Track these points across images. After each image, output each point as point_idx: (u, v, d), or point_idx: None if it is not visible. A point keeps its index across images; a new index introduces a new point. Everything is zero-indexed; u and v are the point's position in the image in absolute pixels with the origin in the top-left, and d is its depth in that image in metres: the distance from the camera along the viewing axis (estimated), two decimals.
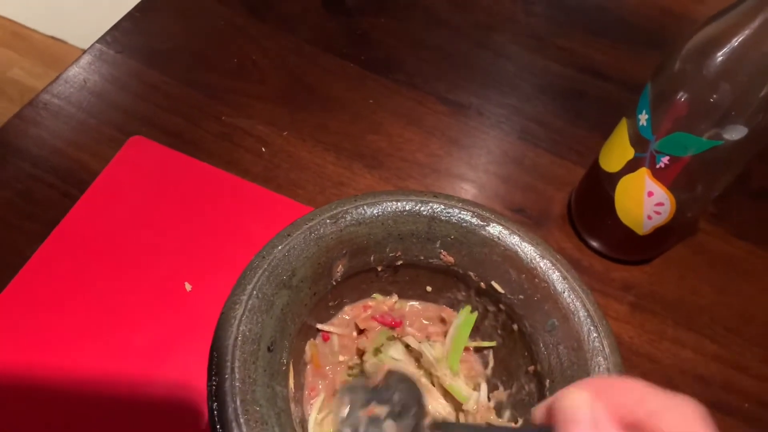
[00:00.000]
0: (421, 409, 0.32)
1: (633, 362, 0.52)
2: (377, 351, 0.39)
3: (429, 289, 0.41)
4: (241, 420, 0.30)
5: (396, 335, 0.40)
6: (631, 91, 0.47)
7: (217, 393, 0.31)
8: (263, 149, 0.58)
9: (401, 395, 0.33)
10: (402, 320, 0.41)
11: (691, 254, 0.58)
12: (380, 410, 0.33)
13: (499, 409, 0.39)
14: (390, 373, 0.36)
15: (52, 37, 1.58)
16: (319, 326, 0.39)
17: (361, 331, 0.40)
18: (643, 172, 0.47)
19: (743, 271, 0.57)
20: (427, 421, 0.31)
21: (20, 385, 0.44)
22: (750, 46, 0.39)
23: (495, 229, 0.36)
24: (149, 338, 0.47)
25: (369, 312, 0.40)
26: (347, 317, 0.40)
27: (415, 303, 0.42)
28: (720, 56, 0.40)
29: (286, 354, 0.34)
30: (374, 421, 0.32)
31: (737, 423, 0.50)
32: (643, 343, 0.53)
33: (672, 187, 0.47)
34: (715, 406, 0.50)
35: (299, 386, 0.38)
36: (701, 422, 0.23)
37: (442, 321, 0.41)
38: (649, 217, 0.50)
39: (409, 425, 0.32)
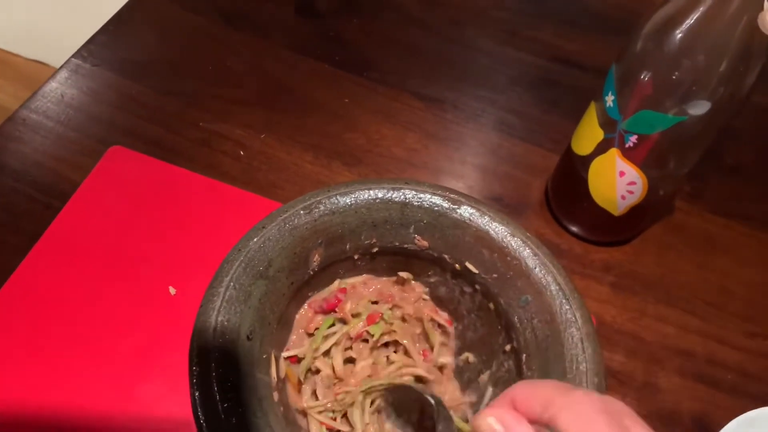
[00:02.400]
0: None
1: (616, 341, 0.52)
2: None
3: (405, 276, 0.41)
4: (223, 407, 0.31)
5: (338, 318, 0.40)
6: (602, 78, 0.48)
7: (198, 382, 0.32)
8: (241, 152, 0.59)
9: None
10: (339, 299, 0.40)
11: (668, 232, 0.59)
12: None
13: (482, 388, 0.39)
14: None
15: (35, 61, 1.58)
16: (284, 355, 0.39)
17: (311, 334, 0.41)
18: (614, 153, 0.48)
19: (721, 246, 0.59)
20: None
21: (8, 395, 0.45)
22: (707, 22, 0.40)
23: (466, 211, 0.37)
24: (136, 343, 0.48)
25: (312, 310, 0.40)
26: (301, 330, 0.41)
27: (358, 278, 0.42)
28: (679, 34, 0.41)
29: (266, 343, 0.35)
30: None
31: (722, 395, 0.50)
32: (625, 322, 0.53)
33: (642, 165, 0.48)
34: (700, 379, 0.51)
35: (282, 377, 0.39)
36: (598, 416, 0.24)
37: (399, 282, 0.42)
38: (623, 197, 0.51)
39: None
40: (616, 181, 0.50)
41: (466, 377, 0.41)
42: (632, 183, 0.49)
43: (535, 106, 0.67)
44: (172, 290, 0.50)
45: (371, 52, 0.69)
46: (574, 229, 0.57)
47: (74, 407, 0.45)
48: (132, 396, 0.45)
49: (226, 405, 0.31)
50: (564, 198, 0.57)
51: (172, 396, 0.46)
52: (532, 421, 0.26)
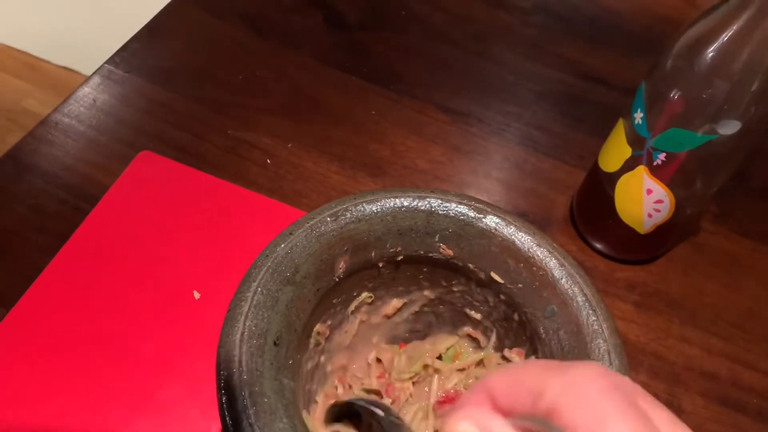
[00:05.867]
0: None
1: (640, 360, 0.52)
2: None
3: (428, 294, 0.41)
4: (251, 411, 0.31)
5: None
6: (628, 95, 0.48)
7: (226, 386, 0.32)
8: (268, 161, 0.60)
9: None
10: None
11: (694, 253, 0.58)
12: None
13: None
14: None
15: (65, 68, 1.61)
16: None
17: None
18: (641, 170, 0.48)
19: (747, 268, 0.58)
20: None
21: (34, 393, 0.45)
22: (739, 41, 0.40)
23: (492, 221, 0.37)
24: (160, 346, 0.48)
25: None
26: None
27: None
28: (711, 52, 0.41)
29: (292, 349, 0.35)
30: None
31: (746, 419, 0.50)
32: (649, 341, 0.53)
33: (670, 183, 0.48)
34: (724, 403, 0.50)
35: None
36: (610, 396, 0.19)
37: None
38: (650, 215, 0.51)
39: None
40: (643, 199, 0.49)
41: None
42: (659, 201, 0.49)
43: (561, 122, 0.67)
44: (196, 294, 0.51)
45: (398, 65, 0.69)
46: (598, 246, 0.57)
47: (95, 409, 0.45)
48: (154, 400, 0.46)
49: (253, 410, 0.31)
50: (589, 215, 0.57)
51: (195, 401, 0.46)
52: (521, 416, 0.21)
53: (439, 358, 0.43)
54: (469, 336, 0.43)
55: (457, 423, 0.21)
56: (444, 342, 0.43)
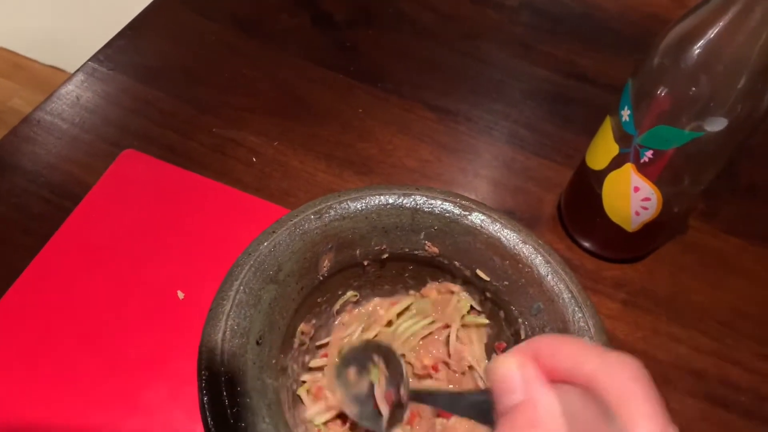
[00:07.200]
0: (401, 377, 0.33)
1: None
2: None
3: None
4: (232, 412, 0.31)
5: None
6: (616, 93, 0.48)
7: (207, 387, 0.31)
8: (254, 159, 0.59)
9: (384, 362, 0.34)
10: None
11: (682, 251, 0.58)
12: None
13: None
14: (368, 344, 0.36)
15: (52, 67, 1.60)
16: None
17: None
18: (629, 168, 0.48)
19: (734, 266, 0.58)
20: (403, 392, 0.32)
21: (15, 398, 0.44)
22: (725, 38, 0.39)
23: (477, 218, 0.37)
24: (143, 347, 0.47)
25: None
26: None
27: None
28: (697, 49, 0.41)
29: (275, 348, 0.35)
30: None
31: (734, 417, 0.50)
32: (637, 340, 0.53)
33: (657, 181, 0.47)
34: (712, 400, 0.50)
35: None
36: (641, 381, 0.22)
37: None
38: (637, 213, 0.50)
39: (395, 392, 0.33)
40: (631, 197, 0.49)
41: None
42: (647, 199, 0.49)
43: (549, 120, 0.66)
44: (180, 294, 0.50)
45: (386, 64, 0.69)
46: (586, 244, 0.57)
47: (79, 411, 0.44)
48: (138, 401, 0.45)
49: (235, 410, 0.30)
50: (577, 213, 0.57)
51: (178, 402, 0.45)
52: (556, 379, 0.24)
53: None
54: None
55: (506, 360, 0.25)
56: (398, 305, 0.42)
